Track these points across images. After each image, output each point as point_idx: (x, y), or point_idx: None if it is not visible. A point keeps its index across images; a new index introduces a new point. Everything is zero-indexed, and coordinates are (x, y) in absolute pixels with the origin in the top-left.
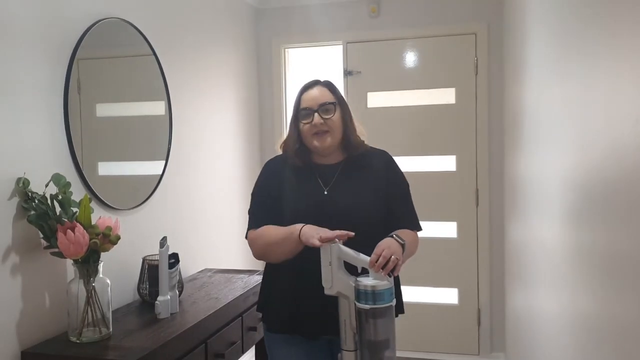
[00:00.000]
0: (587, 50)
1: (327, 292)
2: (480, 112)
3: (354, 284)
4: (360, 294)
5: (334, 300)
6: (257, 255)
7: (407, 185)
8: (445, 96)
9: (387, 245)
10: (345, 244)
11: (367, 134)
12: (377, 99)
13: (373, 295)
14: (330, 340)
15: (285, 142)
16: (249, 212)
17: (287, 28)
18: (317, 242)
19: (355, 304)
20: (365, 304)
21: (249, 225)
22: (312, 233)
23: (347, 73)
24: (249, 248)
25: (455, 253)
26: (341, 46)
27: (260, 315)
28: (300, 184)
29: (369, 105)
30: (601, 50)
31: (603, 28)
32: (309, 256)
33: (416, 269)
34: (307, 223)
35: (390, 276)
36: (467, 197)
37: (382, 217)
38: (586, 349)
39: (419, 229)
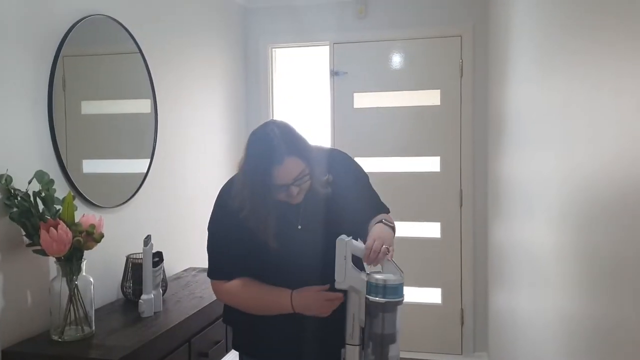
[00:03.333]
0: (570, 52)
1: (338, 286)
2: (464, 114)
3: (366, 278)
4: (373, 287)
5: (313, 325)
6: (226, 303)
7: (367, 176)
8: (431, 98)
9: (377, 235)
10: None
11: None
12: (363, 100)
13: (385, 289)
14: None
15: (251, 215)
16: (211, 253)
17: (275, 28)
18: (327, 314)
19: (367, 298)
20: (378, 297)
21: (215, 272)
22: (313, 306)
23: (334, 73)
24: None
25: (439, 253)
26: (328, 47)
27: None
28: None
29: (355, 106)
30: (584, 52)
31: (586, 30)
32: (291, 278)
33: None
34: (285, 261)
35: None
36: (451, 197)
37: (357, 222)
38: (568, 349)
39: (389, 211)
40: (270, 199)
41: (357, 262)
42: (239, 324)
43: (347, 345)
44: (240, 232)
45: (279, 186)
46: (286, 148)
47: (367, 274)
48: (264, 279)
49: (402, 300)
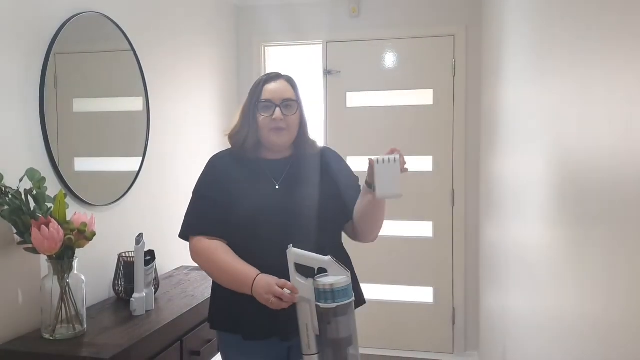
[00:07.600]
0: (562, 52)
1: None
2: (457, 114)
3: (313, 286)
4: (321, 293)
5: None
6: (199, 265)
7: (357, 178)
8: (423, 97)
9: None
10: (302, 244)
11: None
12: (356, 99)
13: (333, 293)
14: (290, 347)
15: (237, 133)
16: (193, 210)
17: (268, 26)
18: (271, 305)
19: (317, 306)
20: (328, 302)
21: (193, 226)
22: (265, 296)
23: (327, 72)
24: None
25: (431, 252)
26: (321, 45)
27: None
28: (250, 179)
29: (348, 105)
30: (576, 53)
31: (578, 31)
32: (267, 262)
33: (392, 267)
34: (259, 219)
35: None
36: (443, 197)
37: (335, 213)
38: (559, 348)
39: None
40: (255, 116)
41: (305, 271)
42: (221, 302)
43: (304, 357)
44: (225, 198)
45: (267, 102)
46: (284, 75)
47: (314, 280)
48: (245, 247)
49: (353, 300)
